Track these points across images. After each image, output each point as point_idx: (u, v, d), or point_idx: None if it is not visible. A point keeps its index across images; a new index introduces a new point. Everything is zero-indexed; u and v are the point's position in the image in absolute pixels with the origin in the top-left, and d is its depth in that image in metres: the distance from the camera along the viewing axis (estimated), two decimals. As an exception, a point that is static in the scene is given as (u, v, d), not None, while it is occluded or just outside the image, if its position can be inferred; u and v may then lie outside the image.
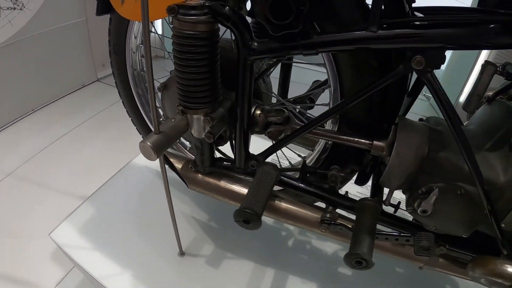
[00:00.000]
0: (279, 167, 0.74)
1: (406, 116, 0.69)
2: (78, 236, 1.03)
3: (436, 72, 0.56)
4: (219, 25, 0.63)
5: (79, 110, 2.19)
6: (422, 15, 0.61)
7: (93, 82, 2.51)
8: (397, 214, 0.76)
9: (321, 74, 1.18)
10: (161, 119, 1.06)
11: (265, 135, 0.74)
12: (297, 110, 0.93)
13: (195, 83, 0.64)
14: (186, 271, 0.95)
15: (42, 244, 1.34)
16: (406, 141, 0.62)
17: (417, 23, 0.54)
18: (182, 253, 0.99)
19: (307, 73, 1.75)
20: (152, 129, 0.66)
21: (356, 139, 0.68)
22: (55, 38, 2.12)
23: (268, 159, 0.78)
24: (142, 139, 0.65)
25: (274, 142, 0.75)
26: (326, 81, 0.83)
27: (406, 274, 1.00)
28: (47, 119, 2.10)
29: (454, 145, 0.59)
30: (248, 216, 0.64)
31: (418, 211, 0.64)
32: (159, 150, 0.64)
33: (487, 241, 0.68)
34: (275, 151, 0.73)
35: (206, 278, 0.94)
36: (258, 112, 0.73)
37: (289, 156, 1.13)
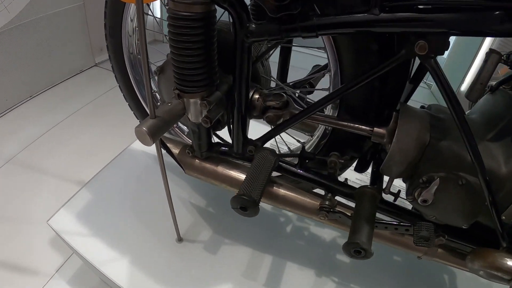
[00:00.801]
0: (277, 152, 0.73)
1: (407, 103, 0.67)
2: (76, 223, 1.02)
3: (438, 59, 0.54)
4: (216, 6, 0.61)
5: (77, 95, 2.17)
6: None
7: (91, 67, 2.48)
8: (396, 203, 0.75)
9: (320, 58, 1.15)
10: (158, 103, 1.04)
11: (263, 119, 0.72)
12: (297, 95, 0.91)
13: (191, 66, 0.62)
14: (184, 258, 0.95)
15: (41, 230, 1.33)
16: (407, 128, 0.61)
17: (421, 7, 0.52)
18: (180, 239, 0.98)
19: (306, 57, 1.72)
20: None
21: (357, 125, 0.66)
22: (52, 23, 2.09)
23: (267, 144, 0.76)
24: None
25: (272, 127, 0.73)
26: (326, 66, 0.81)
27: (404, 262, 1.00)
28: (45, 105, 2.07)
29: (456, 134, 0.57)
30: (245, 202, 0.62)
31: (419, 200, 0.63)
32: (155, 135, 0.63)
33: (486, 233, 0.67)
34: (274, 136, 0.72)
35: (203, 264, 0.94)
36: (257, 96, 0.72)
37: (288, 141, 1.11)
